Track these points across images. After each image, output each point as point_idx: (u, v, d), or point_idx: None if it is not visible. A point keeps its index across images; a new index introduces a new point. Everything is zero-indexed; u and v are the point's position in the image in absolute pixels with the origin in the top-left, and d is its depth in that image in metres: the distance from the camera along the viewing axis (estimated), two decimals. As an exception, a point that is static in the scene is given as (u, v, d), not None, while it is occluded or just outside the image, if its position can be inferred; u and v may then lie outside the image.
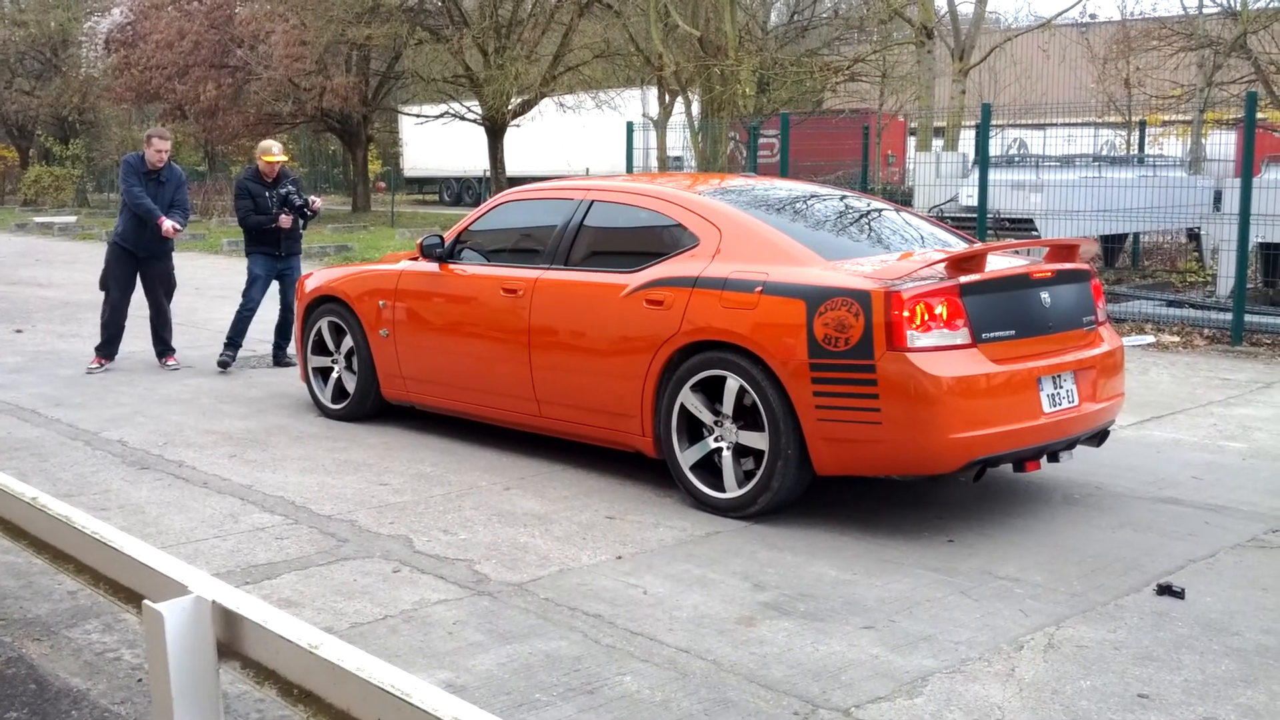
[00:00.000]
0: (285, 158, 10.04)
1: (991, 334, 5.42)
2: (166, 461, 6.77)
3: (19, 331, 11.53)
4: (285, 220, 9.73)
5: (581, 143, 31.10)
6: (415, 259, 7.42)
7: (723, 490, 5.76)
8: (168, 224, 9.51)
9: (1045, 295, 5.73)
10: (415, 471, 6.55)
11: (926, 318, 5.24)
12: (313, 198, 10.06)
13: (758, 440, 5.61)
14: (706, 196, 6.35)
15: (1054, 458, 5.81)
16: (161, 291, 9.85)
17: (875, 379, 5.23)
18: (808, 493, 5.76)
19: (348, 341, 7.80)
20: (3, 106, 40.89)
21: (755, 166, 16.01)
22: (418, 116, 34.26)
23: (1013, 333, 5.52)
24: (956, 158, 14.48)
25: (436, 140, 35.79)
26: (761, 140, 16.82)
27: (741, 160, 19.45)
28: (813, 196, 6.84)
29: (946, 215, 13.21)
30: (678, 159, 22.63)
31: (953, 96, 18.49)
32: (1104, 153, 19.17)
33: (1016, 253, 6.61)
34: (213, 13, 32.15)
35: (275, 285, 9.87)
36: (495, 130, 28.76)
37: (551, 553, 5.18)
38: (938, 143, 18.64)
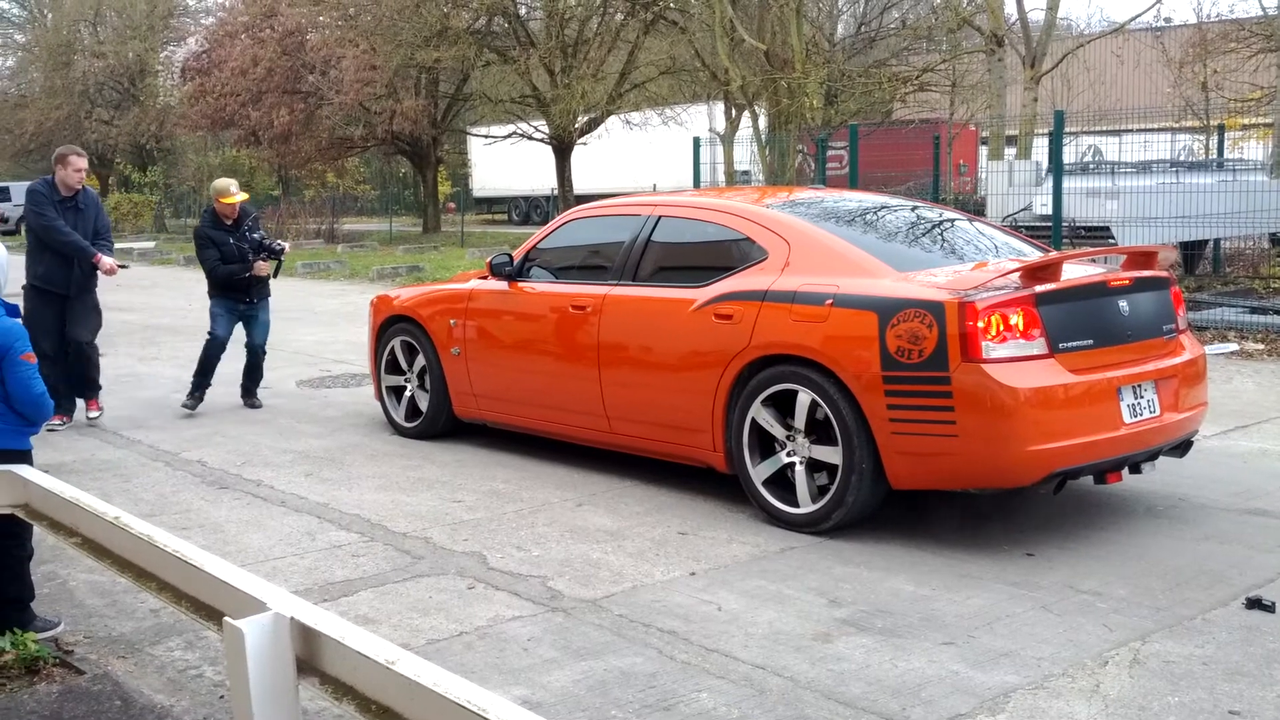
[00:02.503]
0: (245, 196, 9.02)
1: (1069, 344, 5.32)
2: (245, 481, 6.87)
3: (102, 356, 11.81)
4: (263, 267, 8.89)
5: (648, 159, 31.18)
6: (485, 278, 7.46)
7: (796, 505, 5.70)
8: (108, 262, 8.21)
9: (1123, 303, 5.62)
10: (488, 489, 6.58)
11: (1002, 328, 5.15)
12: (279, 243, 9.23)
13: (831, 454, 5.54)
14: (774, 210, 6.30)
15: (1136, 469, 5.64)
16: (87, 330, 8.43)
17: (950, 391, 5.15)
18: (881, 507, 5.69)
19: (420, 361, 7.84)
20: (84, 135, 42.00)
21: (824, 179, 15.92)
22: (486, 137, 34.59)
23: (1090, 342, 5.41)
24: (1030, 166, 14.27)
25: (504, 160, 36.11)
26: (830, 152, 16.72)
27: (810, 173, 19.36)
28: (883, 207, 6.76)
29: (1020, 224, 13.02)
30: (745, 173, 22.57)
31: (1024, 104, 18.24)
32: (1182, 158, 18.79)
33: (1093, 261, 6.58)
34: (285, 39, 32.76)
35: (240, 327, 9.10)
36: (562, 149, 28.95)
37: (625, 569, 5.16)
38: (1010, 151, 18.41)
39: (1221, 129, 20.10)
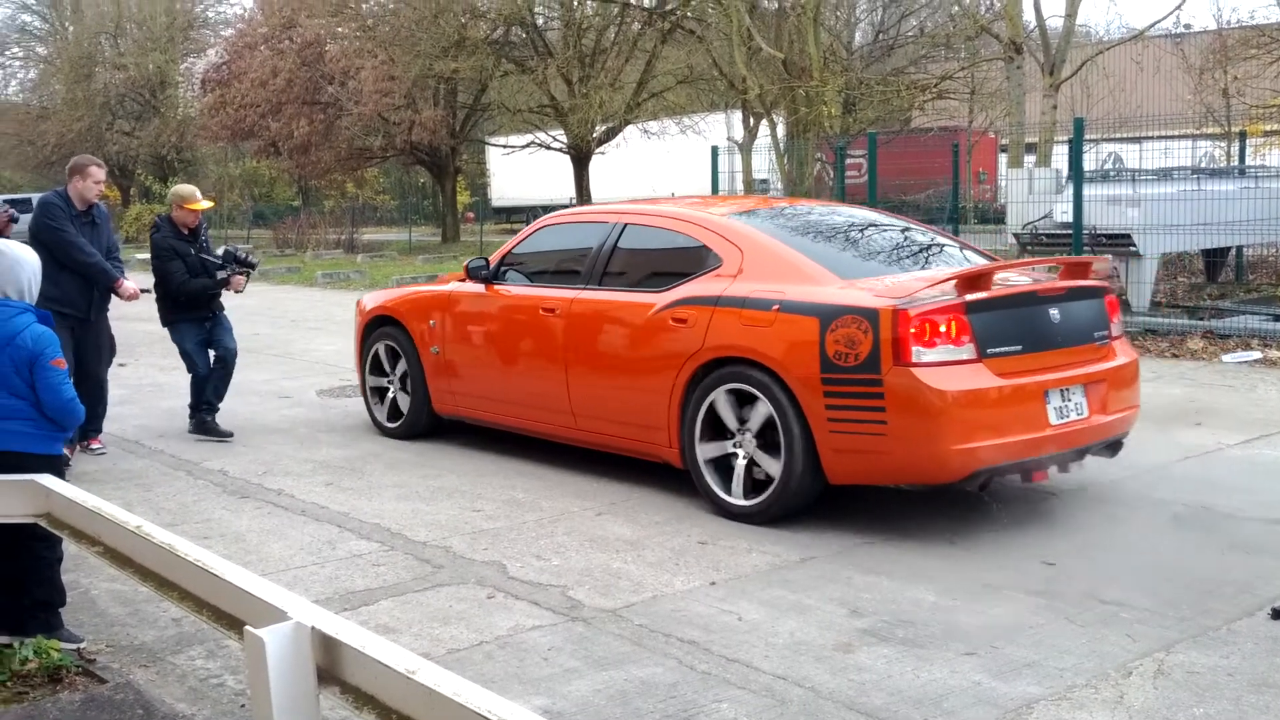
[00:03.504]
0: (211, 204, 8.40)
1: (997, 349, 5.59)
2: (266, 490, 6.89)
3: (122, 365, 11.86)
4: (241, 282, 8.32)
5: (666, 168, 31.16)
6: (464, 280, 7.77)
7: (739, 496, 6.01)
8: (130, 287, 7.61)
9: (1054, 311, 5.88)
10: (508, 497, 6.58)
11: (932, 334, 5.42)
12: (253, 256, 8.72)
13: (774, 451, 5.83)
14: (731, 219, 6.61)
15: (1064, 468, 5.99)
16: (105, 360, 7.88)
17: (883, 392, 5.45)
18: (903, 518, 5.73)
19: (402, 365, 8.14)
20: (105, 147, 42.30)
21: (843, 187, 15.89)
22: (504, 147, 34.69)
23: (1019, 348, 5.69)
24: (1050, 174, 14.19)
25: (523, 170, 36.16)
26: (849, 160, 16.69)
27: (829, 181, 19.34)
28: (837, 218, 7.07)
29: (1041, 232, 12.96)
30: (764, 182, 22.56)
31: (1044, 112, 18.18)
32: (1203, 165, 18.68)
33: (1033, 270, 6.83)
34: (304, 51, 32.92)
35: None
36: (580, 158, 29.01)
37: (645, 578, 5.15)
38: (1030, 159, 18.33)
39: (1243, 136, 19.96)
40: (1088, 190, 12.44)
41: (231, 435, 8.27)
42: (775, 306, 5.83)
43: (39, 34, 50.32)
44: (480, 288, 7.61)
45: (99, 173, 7.55)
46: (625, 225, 7.00)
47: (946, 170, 18.72)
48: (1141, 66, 21.35)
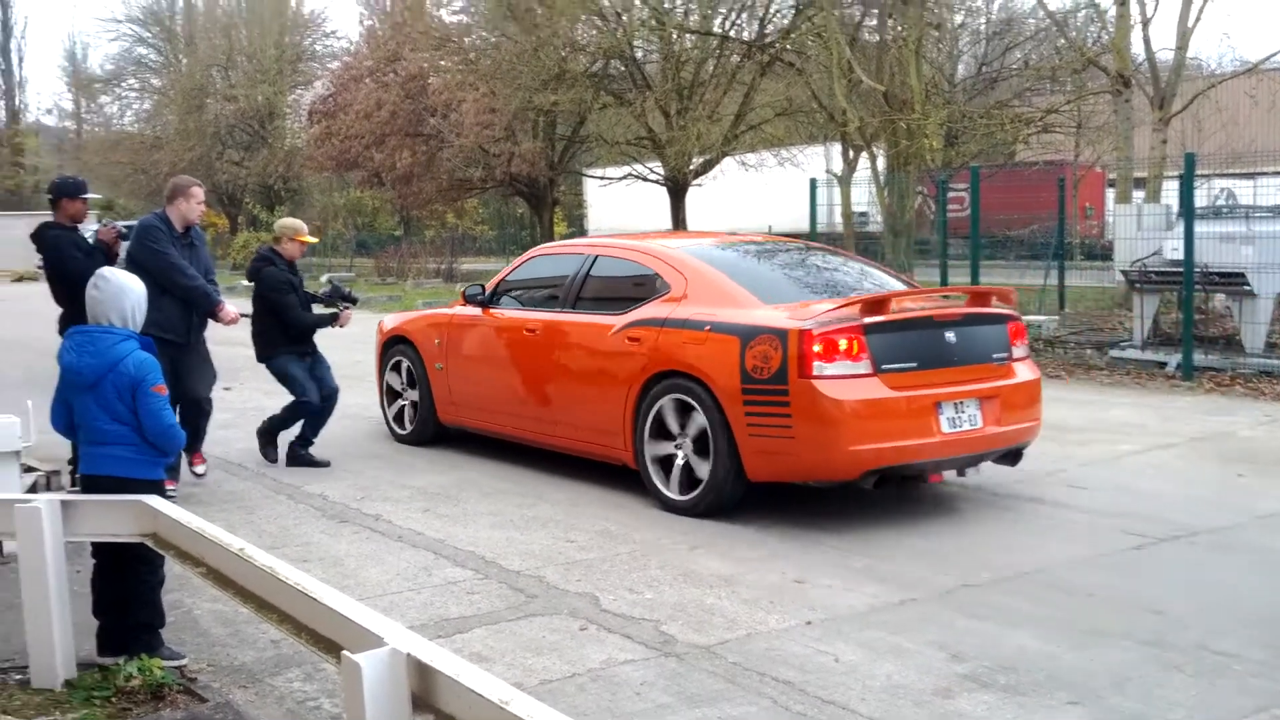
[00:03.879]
0: (316, 239, 8.38)
1: (892, 365, 6.37)
2: (364, 515, 6.97)
3: (227, 389, 12.14)
4: (349, 316, 8.50)
5: (763, 201, 31.06)
6: (464, 304, 8.77)
7: (676, 491, 6.86)
8: (231, 312, 7.52)
9: (950, 334, 6.66)
10: (600, 529, 6.57)
11: (832, 351, 6.22)
12: (355, 292, 8.92)
13: (705, 454, 6.65)
14: (680, 251, 7.57)
15: (961, 472, 6.86)
16: (205, 384, 7.60)
17: (789, 401, 6.26)
18: (1006, 561, 5.65)
19: (413, 380, 9.08)
20: (214, 176, 43.50)
21: (944, 221, 15.70)
22: (601, 178, 34.92)
23: (915, 364, 6.45)
24: (1159, 210, 13.82)
25: (619, 201, 36.35)
26: (951, 194, 16.48)
27: (930, 215, 19.11)
28: (776, 250, 8.11)
29: (1150, 270, 12.63)
30: (863, 215, 22.35)
31: (1153, 146, 17.75)
32: (1320, 201, 18.05)
33: (946, 297, 7.67)
34: (407, 84, 33.55)
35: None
36: (677, 190, 29.06)
37: (739, 615, 5.09)
38: (1138, 194, 17.91)
39: (1363, 172, 19.27)
40: (1199, 227, 12.09)
41: (329, 464, 8.37)
42: (707, 327, 6.72)
43: (154, 66, 52.06)
44: (477, 311, 8.57)
45: (200, 193, 7.49)
46: (596, 256, 7.99)
47: (1052, 205, 18.35)
48: (1256, 100, 20.75)
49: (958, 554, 5.95)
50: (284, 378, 8.31)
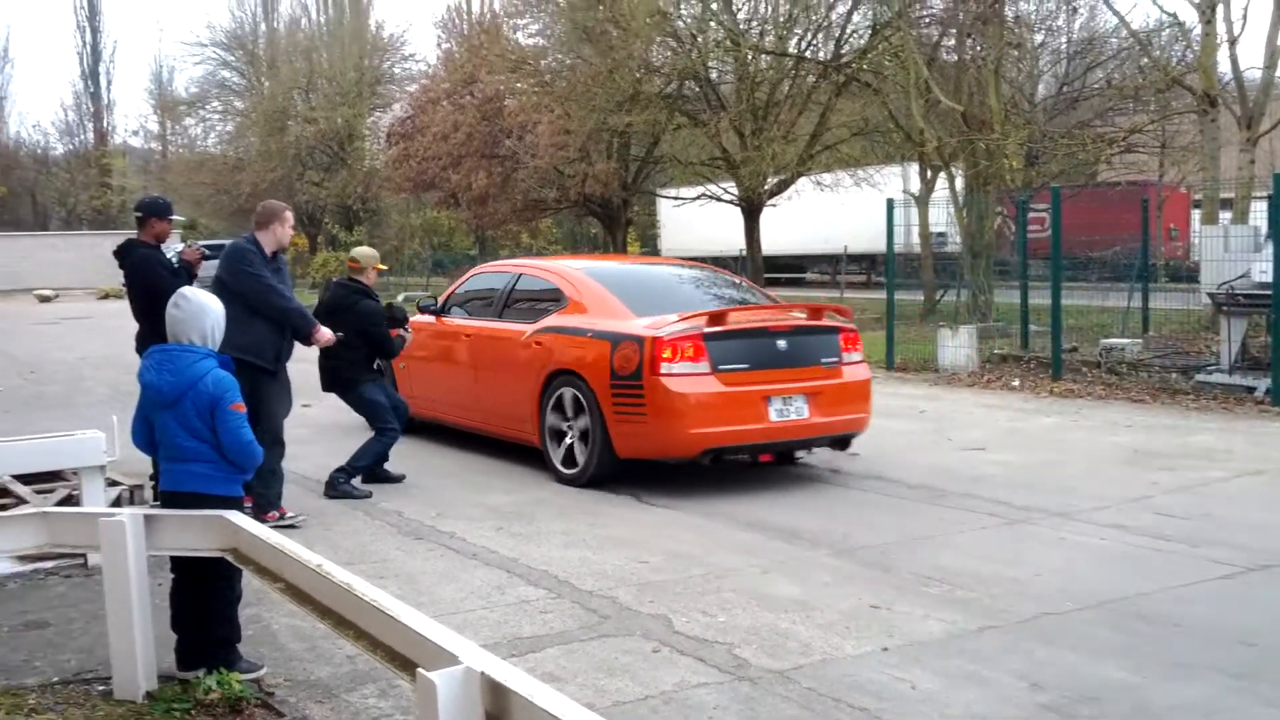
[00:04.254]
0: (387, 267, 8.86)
1: (727, 366, 7.87)
2: (439, 533, 7.01)
3: (306, 406, 12.30)
4: (409, 340, 8.95)
5: (839, 221, 30.89)
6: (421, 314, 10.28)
7: (565, 466, 8.35)
8: (327, 334, 7.53)
9: (782, 342, 8.13)
10: (673, 550, 6.53)
11: (677, 354, 7.76)
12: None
13: (586, 436, 8.13)
14: (580, 271, 9.18)
15: (791, 455, 8.67)
16: (282, 415, 7.40)
17: (643, 393, 7.79)
18: (1090, 587, 5.54)
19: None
20: (295, 196, 44.18)
21: (1024, 242, 15.45)
22: (675, 199, 34.95)
23: (747, 366, 7.93)
24: (1247, 231, 13.47)
25: (693, 221, 36.36)
26: (1031, 214, 16.22)
27: (1009, 235, 18.83)
28: (666, 271, 10.32)
29: (1237, 292, 12.31)
30: (941, 235, 22.08)
31: (1240, 166, 17.33)
32: None
33: (797, 314, 8.79)
34: (484, 106, 33.93)
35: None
36: (751, 210, 28.96)
37: (814, 640, 5.02)
38: (1225, 215, 17.51)
39: None
40: (1289, 249, 11.75)
41: (404, 477, 8.47)
42: (589, 334, 8.28)
43: (237, 89, 53.20)
44: (431, 319, 10.16)
45: (291, 217, 7.56)
46: (520, 274, 9.72)
47: (1135, 226, 17.98)
48: (1348, 119, 20.18)
49: (1038, 581, 5.82)
50: (372, 407, 8.37)
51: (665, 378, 7.69)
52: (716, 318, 7.99)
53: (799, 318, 8.55)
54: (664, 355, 7.71)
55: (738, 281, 9.99)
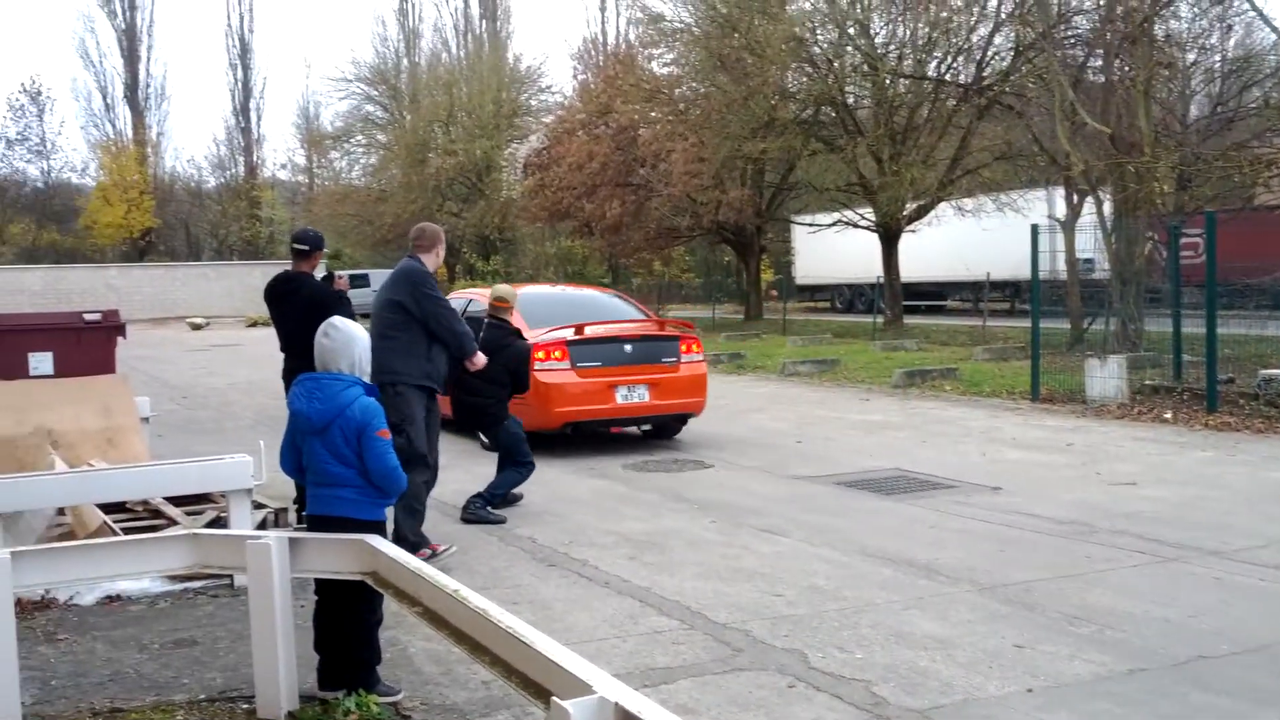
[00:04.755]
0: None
1: (584, 364, 10.74)
2: (571, 560, 7.03)
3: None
4: None
5: (981, 246, 30.11)
6: None
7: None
8: (482, 359, 7.65)
9: (628, 346, 10.97)
10: (809, 584, 6.42)
11: (549, 356, 10.56)
12: None
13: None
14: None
15: (639, 429, 11.76)
16: (437, 442, 7.44)
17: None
18: (1244, 630, 5.27)
19: None
20: (435, 226, 45.10)
21: (1177, 268, 14.86)
22: (810, 225, 34.72)
23: (599, 363, 10.77)
24: None
25: (828, 248, 36.02)
26: (1184, 240, 15.61)
27: (1160, 261, 18.15)
28: (572, 294, 14.00)
29: None
30: (1088, 261, 21.39)
31: None
32: None
33: (650, 327, 11.66)
34: (618, 135, 34.29)
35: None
36: (889, 236, 28.58)
37: (955, 680, 4.87)
38: (1395, 239, 16.57)
39: None
40: None
41: (505, 520, 8.19)
42: None
43: (380, 123, 54.81)
44: None
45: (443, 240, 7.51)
46: (470, 300, 12.23)
47: (1295, 251, 17.16)
48: None
49: (1192, 622, 5.55)
50: (515, 441, 8.53)
51: (540, 372, 10.38)
52: (579, 329, 10.81)
53: (650, 329, 11.46)
54: (539, 357, 10.34)
55: (633, 304, 12.89)
